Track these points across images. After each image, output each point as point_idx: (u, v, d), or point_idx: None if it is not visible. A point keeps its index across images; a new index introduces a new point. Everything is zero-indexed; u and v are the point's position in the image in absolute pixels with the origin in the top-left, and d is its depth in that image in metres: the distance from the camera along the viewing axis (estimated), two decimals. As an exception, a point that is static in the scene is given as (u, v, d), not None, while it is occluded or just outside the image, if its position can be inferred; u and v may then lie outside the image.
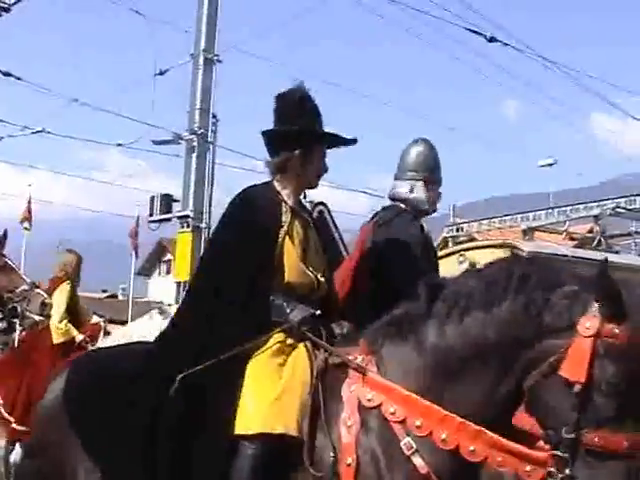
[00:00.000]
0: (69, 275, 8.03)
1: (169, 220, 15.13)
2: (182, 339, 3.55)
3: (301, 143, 3.75)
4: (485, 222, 23.09)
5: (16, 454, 7.51)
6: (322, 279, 3.78)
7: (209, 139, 14.67)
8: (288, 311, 3.50)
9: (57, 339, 7.51)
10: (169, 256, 59.35)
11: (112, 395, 3.52)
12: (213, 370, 3.29)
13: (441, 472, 3.01)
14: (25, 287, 5.90)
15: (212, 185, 14.76)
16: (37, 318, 6.13)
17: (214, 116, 14.95)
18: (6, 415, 7.33)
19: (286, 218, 3.71)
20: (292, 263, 3.64)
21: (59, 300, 7.59)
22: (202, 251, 13.83)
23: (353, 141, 3.98)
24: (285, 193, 3.81)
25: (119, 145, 18.65)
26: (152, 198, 15.26)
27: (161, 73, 16.72)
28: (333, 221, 12.18)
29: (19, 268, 6.25)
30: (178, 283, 14.48)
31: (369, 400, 3.15)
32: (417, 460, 3.00)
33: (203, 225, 14.31)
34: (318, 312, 3.57)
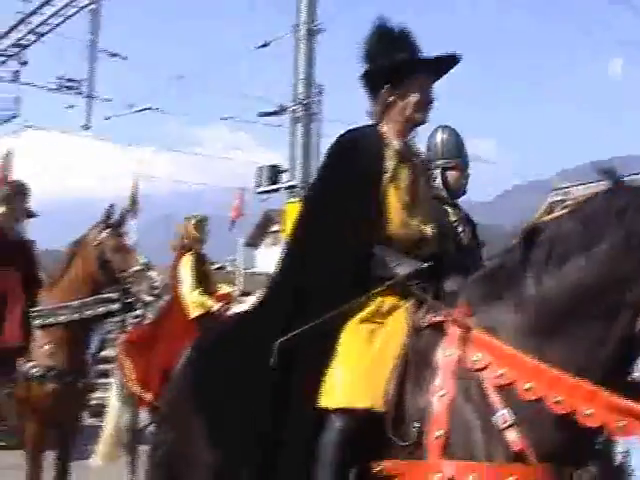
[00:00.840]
0: (188, 246, 8.00)
1: (277, 191, 15.31)
2: (279, 302, 3.37)
3: (397, 77, 3.41)
4: (593, 184, 22.32)
5: (143, 422, 7.90)
6: (432, 231, 3.48)
7: (313, 109, 14.72)
8: (392, 266, 3.23)
9: (193, 313, 7.57)
10: (276, 227, 59.92)
11: (225, 363, 3.45)
12: (309, 335, 3.12)
13: (546, 446, 2.73)
14: (138, 268, 5.90)
15: (318, 155, 14.83)
16: (147, 299, 6.05)
17: (318, 86, 15.01)
18: (139, 390, 7.47)
19: (391, 163, 3.40)
20: (396, 213, 3.36)
21: (184, 274, 7.69)
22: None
23: (454, 59, 3.56)
24: (389, 135, 3.48)
25: (223, 119, 18.95)
26: (259, 169, 15.44)
27: (264, 45, 16.84)
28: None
29: (135, 249, 6.21)
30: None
31: (475, 361, 2.88)
32: (511, 435, 2.74)
33: (311, 195, 14.36)
34: (426, 266, 3.25)
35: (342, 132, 3.52)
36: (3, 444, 9.59)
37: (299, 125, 14.69)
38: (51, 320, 5.88)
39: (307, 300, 3.23)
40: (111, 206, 6.18)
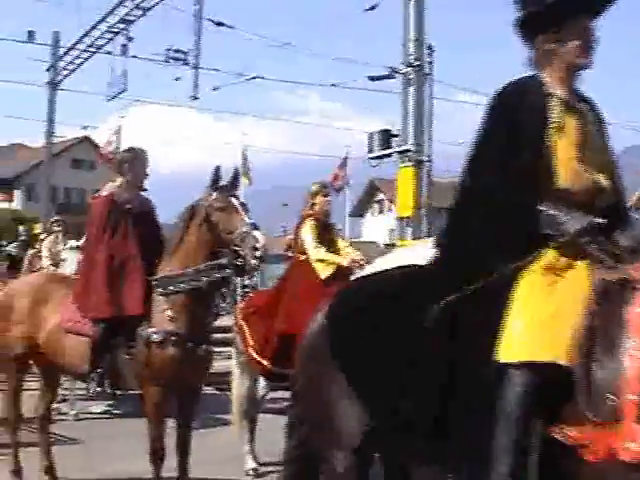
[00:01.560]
0: (310, 213, 7.70)
1: (389, 156, 15.00)
2: (445, 260, 3.25)
3: (555, 20, 3.22)
4: None
5: (262, 389, 7.74)
6: (606, 182, 3.26)
7: (426, 70, 14.33)
8: (562, 221, 3.06)
9: (324, 272, 7.32)
10: (381, 196, 59.83)
11: (374, 324, 3.33)
12: (477, 293, 2.99)
13: None
14: (243, 229, 5.67)
15: (431, 118, 14.49)
16: (253, 262, 5.74)
17: (429, 47, 14.59)
18: (257, 357, 7.35)
19: (556, 113, 3.21)
20: (565, 165, 3.18)
21: (304, 236, 7.47)
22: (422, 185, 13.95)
23: None
24: (552, 84, 3.29)
25: (333, 85, 18.72)
26: (371, 135, 15.18)
27: (371, 8, 16.52)
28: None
29: (244, 210, 5.86)
30: (400, 219, 14.37)
31: None
32: None
33: (424, 158, 14.09)
34: (600, 221, 3.07)
35: (502, 85, 3.33)
36: (119, 412, 9.78)
37: (411, 88, 14.27)
38: (171, 288, 5.85)
39: (470, 262, 3.09)
40: (217, 168, 6.01)
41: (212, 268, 5.82)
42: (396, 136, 14.79)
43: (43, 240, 13.21)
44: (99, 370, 5.97)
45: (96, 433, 8.81)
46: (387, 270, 3.90)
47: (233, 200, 5.90)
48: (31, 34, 25.71)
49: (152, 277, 5.95)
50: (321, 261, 7.35)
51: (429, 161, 14.07)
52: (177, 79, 22.01)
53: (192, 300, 5.84)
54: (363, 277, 4.49)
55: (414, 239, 13.36)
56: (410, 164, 14.06)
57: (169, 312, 5.79)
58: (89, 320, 5.96)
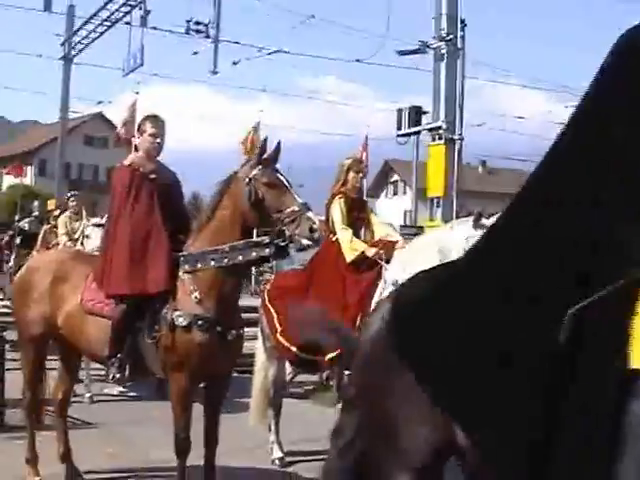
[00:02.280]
0: (340, 191, 7.19)
1: (418, 133, 14.45)
2: (549, 257, 2.69)
3: None
4: None
5: (287, 375, 7.41)
6: None
7: (458, 45, 13.75)
8: None
9: (349, 256, 6.86)
10: (396, 177, 59.32)
11: (456, 329, 2.83)
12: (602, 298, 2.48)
13: None
14: (295, 208, 5.21)
15: (463, 95, 13.92)
16: (305, 243, 5.34)
17: (462, 22, 14.00)
18: (285, 342, 6.90)
19: None
20: None
21: (334, 215, 7.01)
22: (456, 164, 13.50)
23: None
24: None
25: (357, 61, 18.17)
26: (399, 111, 14.63)
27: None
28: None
29: (292, 186, 5.46)
30: (431, 200, 13.83)
31: None
32: None
33: (456, 137, 13.54)
34: None
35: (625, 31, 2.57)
36: (135, 394, 9.44)
37: (442, 63, 13.72)
38: (199, 265, 5.41)
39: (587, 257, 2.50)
40: (265, 140, 5.56)
41: (251, 246, 5.36)
42: (426, 113, 14.24)
43: (58, 216, 12.89)
44: (119, 355, 5.52)
45: (113, 417, 8.47)
46: (454, 263, 3.36)
47: (280, 176, 5.41)
48: (48, 3, 25.12)
49: (178, 253, 5.49)
50: (347, 244, 6.89)
51: (461, 139, 13.52)
52: (195, 53, 21.55)
53: (222, 280, 5.39)
54: (426, 272, 3.89)
55: (444, 220, 12.91)
56: (441, 142, 13.52)
57: (196, 293, 5.34)
58: (109, 299, 5.55)
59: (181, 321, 5.27)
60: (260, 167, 5.40)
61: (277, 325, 7.06)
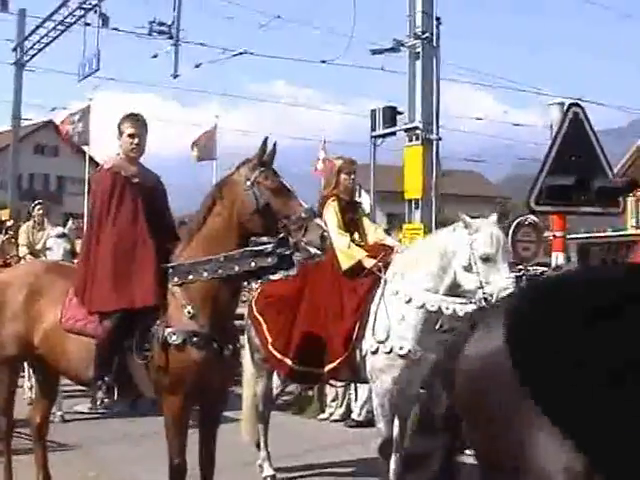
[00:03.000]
0: (332, 193, 6.78)
1: (393, 134, 14.02)
2: None
3: None
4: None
5: (275, 387, 7.12)
6: None
7: (434, 43, 13.38)
8: None
9: (344, 264, 6.36)
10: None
11: (588, 347, 2.57)
12: None
13: None
14: (303, 214, 4.80)
15: (439, 94, 13.52)
16: (313, 251, 5.04)
17: (437, 19, 13.65)
18: (278, 355, 6.49)
19: None
20: None
21: (328, 219, 6.46)
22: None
23: None
24: None
25: (323, 62, 17.76)
26: (373, 112, 14.19)
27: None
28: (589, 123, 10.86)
29: (296, 192, 5.01)
30: (409, 201, 13.40)
31: None
32: None
33: (433, 137, 13.14)
34: None
35: None
36: (106, 410, 8.89)
37: (418, 62, 13.36)
38: (190, 277, 4.93)
39: None
40: (266, 138, 5.02)
41: (250, 255, 4.89)
42: (401, 113, 13.83)
43: (11, 227, 12.24)
44: (106, 378, 5.02)
45: (88, 436, 8.03)
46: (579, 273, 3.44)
47: (283, 181, 4.98)
48: (4, 3, 24.15)
49: (167, 264, 5.02)
50: (344, 251, 6.40)
51: (439, 139, 13.14)
52: (155, 56, 20.92)
53: (217, 292, 4.93)
54: (547, 283, 3.61)
55: (423, 223, 12.56)
56: (418, 143, 13.11)
57: (189, 307, 4.89)
58: (93, 317, 5.07)
59: (174, 338, 4.79)
60: (261, 169, 4.92)
61: (268, 336, 6.59)
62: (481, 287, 5.66)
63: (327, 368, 6.19)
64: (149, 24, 18.07)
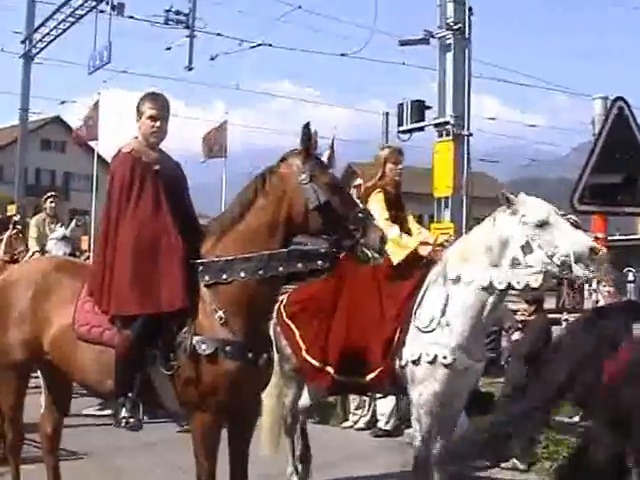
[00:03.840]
0: (377, 185, 6.23)
1: (422, 129, 13.42)
2: None
3: None
4: None
5: (304, 399, 6.51)
6: None
7: (466, 35, 12.80)
8: None
9: (396, 257, 5.75)
10: (359, 180, 58.54)
11: None
12: None
13: None
14: (360, 215, 4.35)
15: (470, 88, 12.93)
16: (372, 254, 4.93)
17: (469, 9, 13.06)
18: (316, 363, 5.88)
19: None
20: None
21: (374, 210, 5.78)
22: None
23: None
24: None
25: (343, 55, 17.21)
26: (400, 106, 13.56)
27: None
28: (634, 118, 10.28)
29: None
30: (438, 200, 12.79)
31: None
32: None
33: (465, 132, 12.53)
34: None
35: None
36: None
37: (449, 54, 12.77)
38: (224, 277, 4.38)
39: None
40: (307, 125, 4.44)
41: (298, 256, 4.40)
42: (430, 108, 13.25)
43: (16, 223, 11.69)
44: (130, 395, 4.46)
45: (99, 445, 7.42)
46: None
47: (336, 176, 4.56)
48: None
49: (197, 260, 4.46)
50: (396, 241, 5.77)
51: (470, 135, 12.55)
52: (168, 49, 20.40)
53: (253, 296, 4.38)
54: None
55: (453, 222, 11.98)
56: (449, 138, 12.51)
57: (220, 313, 4.34)
58: (110, 323, 4.52)
59: (204, 348, 4.26)
60: (316, 162, 4.40)
61: (301, 343, 5.98)
62: (551, 256, 5.05)
63: (368, 378, 5.63)
64: (165, 12, 17.46)
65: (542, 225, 5.11)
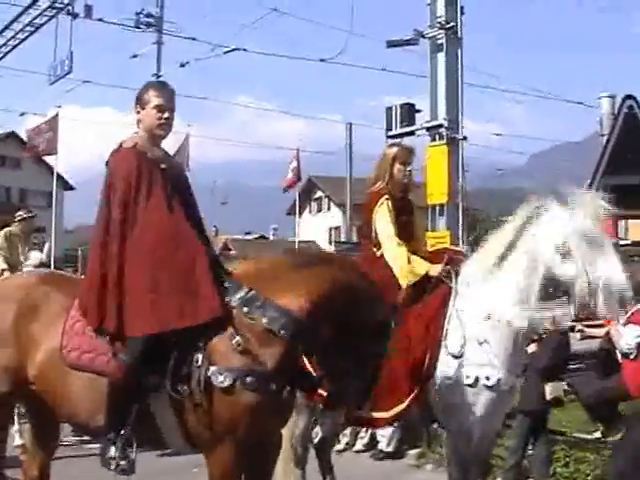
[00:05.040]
0: (384, 189, 5.57)
1: (412, 133, 12.86)
2: None
3: None
4: None
5: (317, 432, 6.11)
6: None
7: (458, 34, 12.32)
8: None
9: (404, 280, 5.18)
10: (319, 193, 57.96)
11: None
12: None
13: None
14: None
15: (462, 90, 12.43)
16: None
17: (461, 8, 12.61)
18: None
19: None
20: None
21: (380, 224, 5.36)
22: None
23: None
24: None
25: (322, 61, 16.69)
26: (389, 110, 13.04)
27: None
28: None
29: None
30: (433, 207, 12.20)
31: None
32: None
33: (459, 136, 11.98)
34: None
35: None
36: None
37: (440, 55, 12.24)
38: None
39: None
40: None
41: None
42: (420, 111, 12.71)
43: None
44: (123, 431, 3.88)
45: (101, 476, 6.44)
46: None
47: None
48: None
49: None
50: (404, 268, 5.22)
51: (464, 139, 12.01)
52: (134, 56, 19.71)
53: None
54: None
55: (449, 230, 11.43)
56: (442, 142, 11.95)
57: (238, 338, 3.82)
58: (103, 348, 3.97)
59: (221, 380, 3.78)
60: None
61: (312, 369, 5.33)
62: (584, 273, 4.49)
63: (394, 411, 4.99)
64: (136, 15, 16.77)
65: (588, 237, 4.56)
